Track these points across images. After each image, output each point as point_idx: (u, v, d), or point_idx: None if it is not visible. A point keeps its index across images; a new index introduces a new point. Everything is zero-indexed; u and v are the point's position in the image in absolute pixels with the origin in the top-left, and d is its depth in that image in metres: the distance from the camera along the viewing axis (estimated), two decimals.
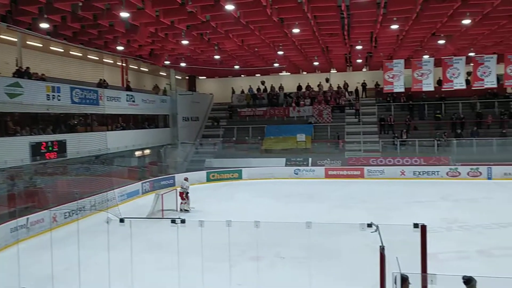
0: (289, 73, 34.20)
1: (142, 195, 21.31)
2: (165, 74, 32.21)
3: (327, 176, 25.92)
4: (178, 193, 17.98)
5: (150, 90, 29.50)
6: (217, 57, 24.54)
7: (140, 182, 21.96)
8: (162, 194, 17.07)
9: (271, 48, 22.24)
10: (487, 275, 5.89)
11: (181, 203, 17.62)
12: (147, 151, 26.60)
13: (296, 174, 26.27)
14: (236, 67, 28.62)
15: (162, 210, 16.74)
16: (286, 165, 27.05)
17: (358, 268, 9.68)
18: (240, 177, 26.17)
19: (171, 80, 30.26)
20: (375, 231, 5.94)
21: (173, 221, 7.52)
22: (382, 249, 5.47)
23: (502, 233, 13.19)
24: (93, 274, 9.64)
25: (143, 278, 9.27)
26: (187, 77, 35.38)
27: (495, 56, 22.37)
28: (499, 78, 23.49)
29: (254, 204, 19.01)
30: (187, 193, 17.82)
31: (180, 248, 8.01)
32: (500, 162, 24.35)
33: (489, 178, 23.70)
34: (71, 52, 21.96)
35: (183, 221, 7.42)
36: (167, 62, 25.63)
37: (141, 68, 29.61)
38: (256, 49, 22.98)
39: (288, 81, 34.89)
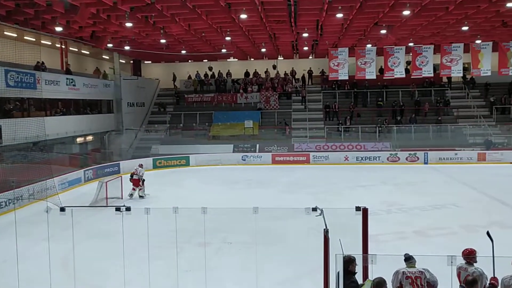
0: (237, 60, 34.09)
1: (85, 183, 20.59)
2: (108, 57, 31.04)
3: (274, 162, 26.28)
4: (122, 181, 17.62)
5: (92, 74, 28.35)
6: (163, 41, 23.96)
7: (82, 170, 21.18)
8: (106, 182, 16.57)
9: (219, 34, 22.02)
10: (422, 254, 6.27)
11: (134, 189, 17.52)
12: (89, 138, 25.65)
13: (244, 160, 26.42)
14: (183, 52, 28.11)
15: (107, 198, 16.27)
16: (234, 151, 27.12)
17: (303, 251, 9.94)
18: (187, 164, 25.93)
19: (115, 64, 29.22)
20: (320, 215, 6.11)
21: (117, 209, 7.33)
22: (326, 232, 5.64)
23: (436, 214, 14.02)
24: (33, 265, 9.25)
25: (86, 268, 9.01)
26: (131, 61, 34.30)
27: (432, 46, 23.44)
28: (435, 68, 24.69)
29: (202, 190, 18.95)
30: (144, 180, 17.68)
31: (126, 236, 7.85)
32: (435, 147, 25.80)
33: (426, 163, 25.04)
34: (5, 33, 20.59)
35: (128, 209, 7.25)
36: (110, 45, 24.67)
37: (82, 51, 28.31)
38: (203, 34, 22.67)
39: (235, 68, 34.78)
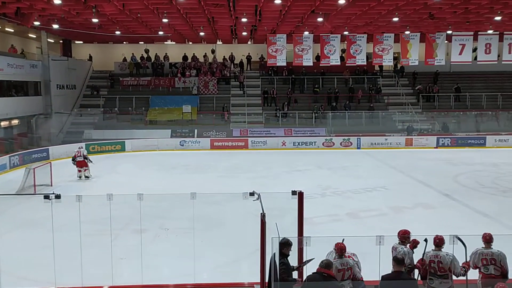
0: (175, 43, 33.31)
1: (11, 169, 19.37)
2: (35, 36, 29.10)
3: (213, 147, 26.19)
4: (51, 167, 16.85)
5: (17, 54, 26.46)
6: (95, 20, 22.80)
7: (7, 156, 19.88)
8: (34, 168, 15.67)
9: (155, 15, 21.34)
10: (354, 235, 6.56)
11: (80, 171, 17.63)
12: (15, 121, 24.06)
13: (182, 145, 26.08)
14: (117, 33, 26.96)
15: (34, 185, 15.41)
16: (172, 136, 26.67)
17: (241, 235, 10.05)
18: (123, 149, 25.15)
19: (42, 43, 27.47)
20: (257, 199, 6.19)
21: (46, 196, 6.95)
22: (263, 216, 5.73)
23: (367, 197, 14.72)
24: None
25: (12, 259, 8.51)
26: (61, 41, 32.39)
27: (366, 35, 24.28)
28: (368, 56, 25.64)
29: (139, 176, 18.51)
30: (89, 159, 17.92)
31: (57, 225, 7.49)
32: (367, 133, 26.96)
33: (358, 148, 26.14)
34: None
35: (58, 197, 6.90)
36: (37, 23, 23.10)
37: (6, 29, 26.31)
38: (139, 15, 21.85)
39: (173, 51, 33.99)
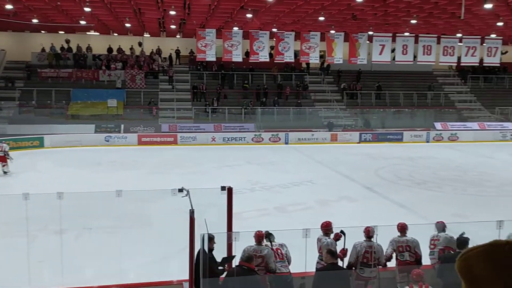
0: (99, 34, 31.80)
1: None
2: None
3: (140, 143, 25.46)
4: None
5: None
6: (9, 7, 21.15)
7: None
8: None
9: (76, 4, 20.24)
10: (282, 228, 6.72)
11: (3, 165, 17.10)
12: None
13: (107, 141, 25.06)
14: (35, 21, 25.23)
15: None
16: (96, 131, 25.53)
17: (169, 232, 9.87)
18: (42, 145, 23.66)
19: None
20: (186, 195, 6.11)
21: None
22: (191, 212, 5.67)
23: (295, 191, 15.12)
24: None
25: None
26: None
27: (293, 33, 24.85)
28: (296, 54, 26.28)
29: (59, 174, 17.48)
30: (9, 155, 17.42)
31: None
32: (295, 128, 27.67)
33: (286, 143, 26.75)
34: None
35: None
36: None
37: None
38: (58, 3, 20.61)
39: (97, 42, 32.46)
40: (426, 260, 7.04)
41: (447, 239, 6.75)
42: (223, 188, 6.53)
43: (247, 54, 26.94)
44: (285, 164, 20.60)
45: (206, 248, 5.70)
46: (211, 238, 5.88)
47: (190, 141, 25.99)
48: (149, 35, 32.40)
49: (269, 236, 6.36)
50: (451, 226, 7.28)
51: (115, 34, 32.14)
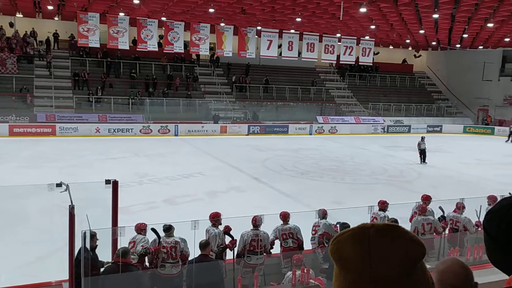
0: None
1: None
2: None
3: (12, 134, 23.10)
4: None
5: None
6: None
7: None
8: None
9: None
10: (171, 221, 6.63)
11: None
12: None
13: None
14: None
15: None
16: None
17: (47, 230, 9.16)
18: None
19: None
20: (65, 190, 5.70)
21: None
22: (71, 208, 5.31)
23: (184, 183, 15.00)
24: None
25: None
26: None
27: (183, 23, 24.53)
28: (186, 45, 25.98)
29: None
30: None
31: None
32: (185, 120, 27.42)
33: (176, 135, 26.40)
34: None
35: None
36: None
37: None
38: None
39: None
40: (308, 245, 7.51)
41: (326, 225, 7.28)
42: (107, 181, 6.22)
43: (134, 42, 25.88)
44: (175, 156, 20.32)
45: (88, 245, 5.39)
46: (93, 235, 5.59)
47: (71, 132, 24.28)
48: (22, 15, 29.35)
49: (168, 229, 6.28)
50: (331, 212, 7.86)
51: None
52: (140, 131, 25.84)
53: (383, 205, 7.92)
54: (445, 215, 8.09)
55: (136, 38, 24.07)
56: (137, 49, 24.80)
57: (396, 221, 6.80)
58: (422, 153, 19.46)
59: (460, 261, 1.51)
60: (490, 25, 22.70)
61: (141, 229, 6.33)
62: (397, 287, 0.86)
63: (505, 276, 1.08)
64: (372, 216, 7.60)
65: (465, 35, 27.32)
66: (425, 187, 14.17)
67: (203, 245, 6.08)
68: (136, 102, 27.96)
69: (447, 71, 38.97)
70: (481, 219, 8.01)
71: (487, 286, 3.03)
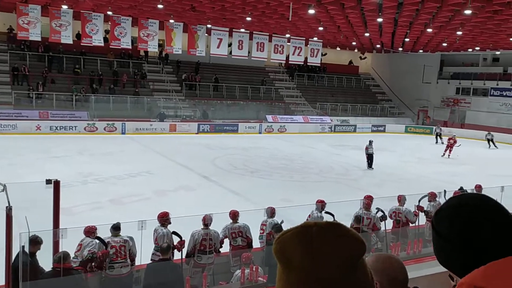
0: None
1: None
2: None
3: None
4: None
5: None
6: None
7: None
8: None
9: None
10: (117, 221, 6.44)
11: None
12: None
13: None
14: None
15: None
16: None
17: None
18: None
19: None
20: (2, 191, 5.39)
21: None
22: (8, 210, 5.03)
23: (131, 182, 14.63)
24: None
25: None
26: None
27: (130, 18, 23.88)
28: (133, 40, 25.33)
29: None
30: None
31: None
32: (132, 118, 26.75)
33: (123, 133, 25.68)
34: None
35: None
36: None
37: None
38: None
39: None
40: (257, 244, 7.56)
41: (272, 224, 7.37)
42: (48, 181, 5.95)
43: (78, 36, 24.89)
44: (122, 154, 19.76)
45: (27, 249, 5.13)
46: (35, 241, 5.31)
47: (9, 129, 22.99)
48: None
49: (117, 228, 6.11)
50: (279, 210, 7.95)
51: None
52: (85, 128, 24.92)
53: (321, 204, 8.07)
54: (386, 214, 8.41)
55: (81, 32, 23.16)
56: (82, 44, 23.87)
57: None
58: (369, 157, 18.75)
59: (387, 253, 1.56)
60: (429, 30, 23.85)
61: (90, 232, 6.08)
62: (341, 286, 0.86)
63: (442, 269, 1.11)
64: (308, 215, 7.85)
65: (407, 39, 28.56)
66: (370, 185, 14.70)
67: (165, 249, 5.94)
68: (80, 99, 26.93)
69: (390, 73, 40.59)
70: (421, 205, 8.59)
71: (424, 280, 3.19)
